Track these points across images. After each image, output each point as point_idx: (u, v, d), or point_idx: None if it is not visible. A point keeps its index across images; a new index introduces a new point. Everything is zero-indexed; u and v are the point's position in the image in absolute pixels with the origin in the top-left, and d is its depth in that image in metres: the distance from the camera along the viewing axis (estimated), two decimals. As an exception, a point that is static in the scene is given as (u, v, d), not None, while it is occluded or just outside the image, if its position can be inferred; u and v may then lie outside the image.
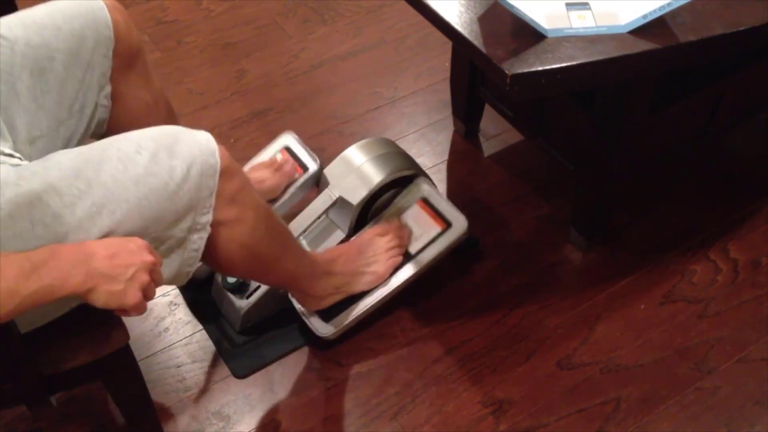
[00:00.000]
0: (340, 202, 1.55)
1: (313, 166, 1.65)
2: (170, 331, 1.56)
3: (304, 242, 1.56)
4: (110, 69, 1.25)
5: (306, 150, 1.67)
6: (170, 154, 1.05)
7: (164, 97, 1.42)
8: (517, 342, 1.54)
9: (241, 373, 1.49)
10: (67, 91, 1.19)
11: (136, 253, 1.01)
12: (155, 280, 1.03)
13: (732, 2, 1.29)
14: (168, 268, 1.11)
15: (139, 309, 1.02)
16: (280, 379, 1.49)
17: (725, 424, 1.42)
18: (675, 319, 1.57)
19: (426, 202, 1.57)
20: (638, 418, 1.43)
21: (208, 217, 1.11)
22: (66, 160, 1.02)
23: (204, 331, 1.56)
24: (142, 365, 1.49)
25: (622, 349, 1.53)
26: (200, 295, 1.60)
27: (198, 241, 1.11)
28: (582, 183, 1.62)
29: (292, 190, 1.64)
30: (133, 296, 1.00)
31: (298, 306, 1.51)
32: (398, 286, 1.52)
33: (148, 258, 1.01)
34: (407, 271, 1.53)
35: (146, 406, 1.29)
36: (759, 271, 1.65)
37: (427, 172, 1.62)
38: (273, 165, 1.66)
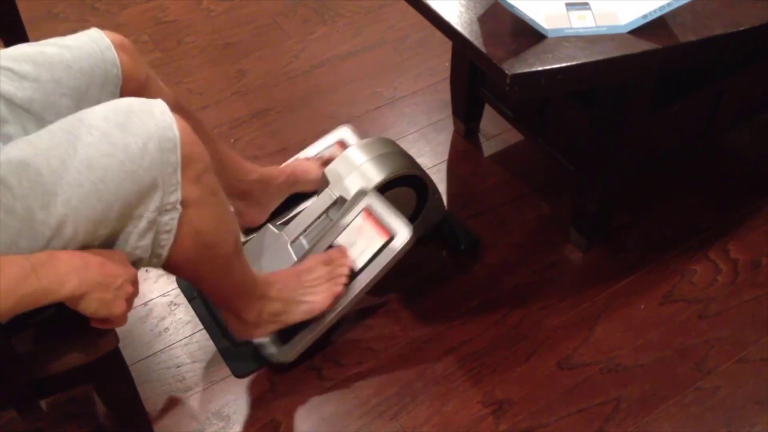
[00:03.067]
0: (341, 202, 1.55)
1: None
2: (170, 331, 1.56)
3: (304, 242, 1.56)
4: None
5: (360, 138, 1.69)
6: (123, 131, 1.00)
7: (183, 106, 1.41)
8: (517, 342, 1.54)
9: (241, 373, 1.49)
10: None
11: (122, 264, 1.01)
12: (135, 292, 1.03)
13: (732, 2, 1.29)
14: (142, 249, 1.07)
15: (122, 320, 1.03)
16: (280, 379, 1.49)
17: (725, 424, 1.42)
18: (675, 319, 1.57)
19: (370, 212, 1.51)
20: (638, 418, 1.43)
21: (177, 195, 1.06)
22: (16, 150, 0.99)
23: (204, 331, 1.56)
24: (142, 365, 1.50)
25: (622, 349, 1.53)
26: (200, 295, 1.60)
27: (170, 222, 1.07)
28: (582, 183, 1.62)
29: None
30: (121, 306, 1.01)
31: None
32: (350, 301, 1.46)
33: (132, 270, 1.02)
34: (359, 284, 1.46)
35: (137, 409, 1.29)
36: (759, 271, 1.65)
37: (427, 172, 1.62)
38: (320, 160, 1.68)
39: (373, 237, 1.49)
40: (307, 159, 1.71)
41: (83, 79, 1.18)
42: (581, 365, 1.50)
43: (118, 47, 1.24)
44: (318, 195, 1.60)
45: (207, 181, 1.11)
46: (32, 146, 0.99)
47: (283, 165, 1.69)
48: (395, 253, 1.46)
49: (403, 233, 1.47)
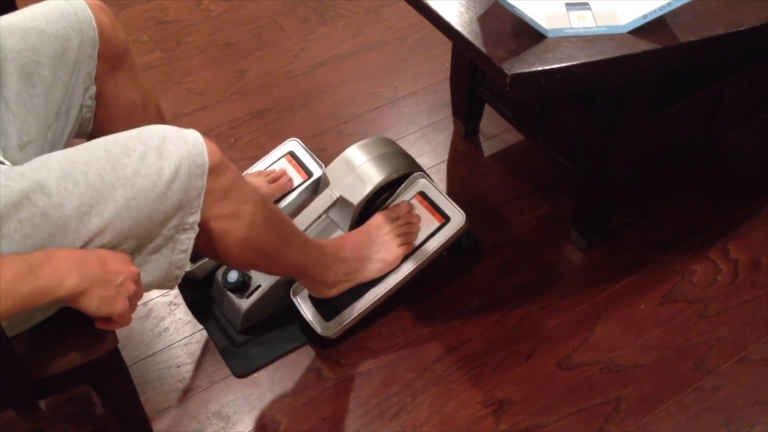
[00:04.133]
0: (341, 202, 1.55)
1: (317, 171, 1.65)
2: (170, 331, 1.56)
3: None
4: (95, 69, 1.24)
5: (311, 155, 1.68)
6: (158, 155, 1.05)
7: (152, 97, 1.41)
8: (517, 342, 1.54)
9: (241, 373, 1.49)
10: (54, 95, 1.18)
11: (123, 262, 1.02)
12: (138, 292, 1.04)
13: (732, 2, 1.29)
14: (156, 270, 1.11)
15: (125, 318, 1.03)
16: (280, 379, 1.49)
17: (725, 424, 1.42)
18: (675, 319, 1.57)
19: (424, 197, 1.57)
20: (638, 418, 1.43)
21: (196, 217, 1.10)
22: (54, 161, 1.02)
23: (204, 331, 1.56)
24: (141, 365, 1.50)
25: (622, 349, 1.53)
26: (200, 295, 1.60)
27: (186, 241, 1.11)
28: (582, 183, 1.62)
29: (295, 194, 1.64)
30: (123, 303, 1.01)
31: (300, 305, 1.51)
32: (399, 282, 1.51)
33: (134, 268, 1.03)
34: (408, 266, 1.52)
35: (136, 409, 1.29)
36: (759, 271, 1.65)
37: (427, 172, 1.62)
38: (269, 175, 1.66)
39: (428, 220, 1.55)
40: (257, 174, 1.68)
41: (58, 42, 1.18)
42: (581, 365, 1.50)
43: (96, 8, 1.23)
44: (318, 195, 1.60)
45: (236, 194, 1.16)
46: (71, 160, 1.02)
47: None
48: (450, 236, 1.53)
49: (457, 217, 1.54)
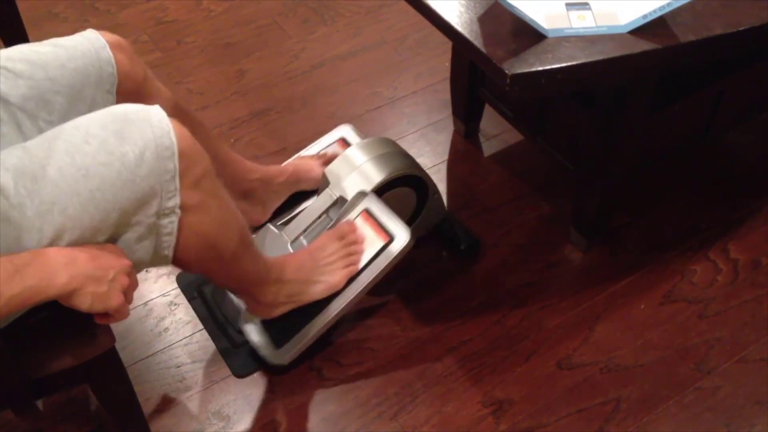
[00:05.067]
0: (341, 202, 1.55)
1: None
2: (170, 331, 1.56)
3: (304, 242, 1.56)
4: (114, 104, 1.23)
5: (361, 137, 1.70)
6: (120, 140, 1.00)
7: (182, 106, 1.41)
8: (517, 342, 1.54)
9: (240, 373, 1.49)
10: None
11: (114, 256, 1.01)
12: (132, 284, 1.03)
13: (732, 2, 1.29)
14: (145, 254, 1.08)
15: (122, 312, 1.02)
16: (280, 379, 1.49)
17: (725, 424, 1.42)
18: (675, 319, 1.57)
19: (369, 214, 1.51)
20: (638, 418, 1.43)
21: (176, 200, 1.06)
22: (12, 158, 0.99)
23: (204, 331, 1.56)
24: (141, 365, 1.50)
25: (622, 349, 1.53)
26: (200, 295, 1.60)
27: (169, 225, 1.07)
28: (582, 183, 1.62)
29: None
30: (117, 298, 1.00)
31: (248, 335, 1.47)
32: (346, 305, 1.46)
33: (126, 261, 1.01)
34: (354, 288, 1.46)
35: (133, 409, 1.29)
36: (759, 271, 1.65)
37: (427, 172, 1.62)
38: (323, 158, 1.68)
39: (372, 239, 1.49)
40: (309, 157, 1.72)
41: (78, 78, 1.18)
42: (581, 365, 1.50)
43: (115, 47, 1.24)
44: (318, 195, 1.60)
45: (206, 185, 1.11)
46: (29, 154, 0.99)
47: (285, 164, 1.69)
48: (394, 255, 1.46)
49: (401, 236, 1.47)
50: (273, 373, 1.49)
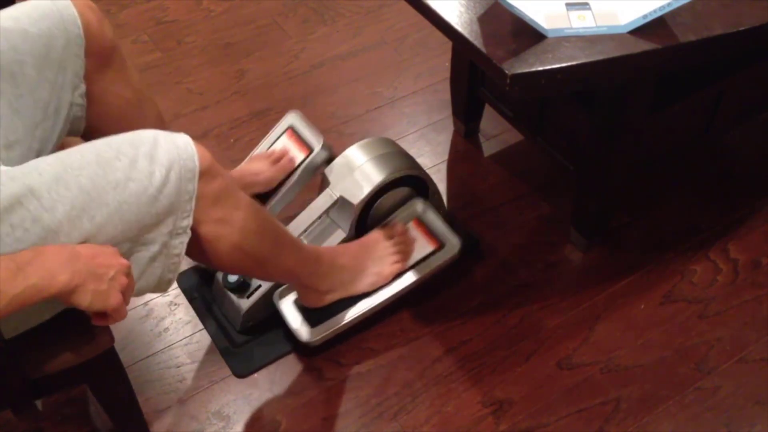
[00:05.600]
0: (341, 202, 1.55)
1: (317, 146, 1.65)
2: (170, 331, 1.56)
3: (304, 242, 1.56)
4: (83, 68, 1.24)
5: (311, 130, 1.68)
6: (150, 160, 1.05)
7: (147, 95, 1.41)
8: (517, 342, 1.54)
9: (241, 373, 1.49)
10: (40, 94, 1.18)
11: (112, 255, 1.02)
12: (130, 285, 1.04)
13: (732, 2, 1.29)
14: (151, 276, 1.11)
15: (120, 313, 1.02)
16: (280, 379, 1.49)
17: (725, 424, 1.42)
18: (675, 319, 1.57)
19: (420, 221, 1.59)
20: (638, 418, 1.43)
21: (188, 221, 1.11)
22: (45, 165, 1.02)
23: (204, 331, 1.56)
24: (142, 365, 1.50)
25: (622, 349, 1.53)
26: (201, 295, 1.60)
27: (179, 246, 1.11)
28: (582, 183, 1.62)
29: (299, 170, 1.65)
30: (116, 297, 1.00)
31: (283, 311, 1.49)
32: (388, 299, 1.51)
33: (124, 261, 1.03)
34: (401, 283, 1.52)
35: (133, 409, 1.29)
36: (759, 271, 1.65)
37: (428, 172, 1.62)
38: (270, 157, 1.67)
39: (423, 244, 1.56)
40: (259, 157, 1.68)
41: (42, 42, 1.17)
42: (581, 365, 1.50)
43: (81, 6, 1.23)
44: (318, 195, 1.60)
45: (227, 200, 1.17)
46: (62, 163, 1.02)
47: (234, 170, 1.66)
48: (444, 260, 1.54)
49: (453, 244, 1.55)
50: (274, 372, 1.49)
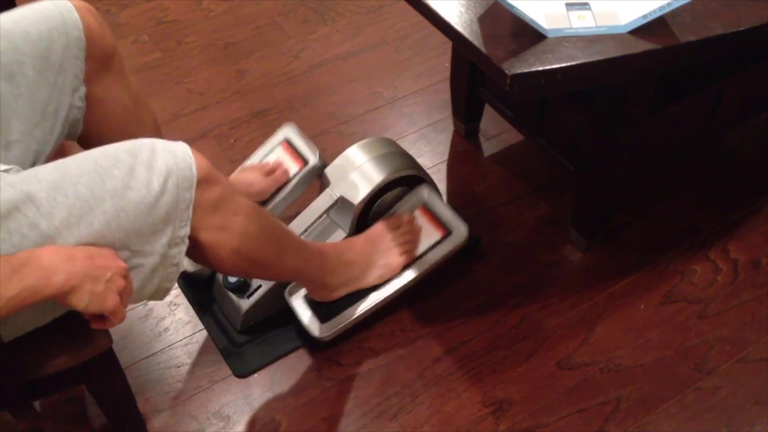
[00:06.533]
0: (341, 202, 1.55)
1: (312, 159, 1.65)
2: (170, 331, 1.56)
3: (304, 242, 1.56)
4: (83, 71, 1.24)
5: (306, 143, 1.68)
6: (148, 169, 1.06)
7: (143, 99, 1.41)
8: (517, 342, 1.54)
9: (241, 373, 1.49)
10: (39, 94, 1.18)
11: (110, 257, 1.02)
12: (127, 287, 1.04)
13: (732, 2, 1.29)
14: (149, 285, 1.11)
15: (117, 315, 1.02)
16: (280, 379, 1.49)
17: (725, 424, 1.42)
18: (675, 319, 1.58)
19: (427, 208, 1.58)
20: (638, 418, 1.43)
21: (186, 230, 1.11)
22: (44, 172, 1.02)
23: (204, 331, 1.56)
24: (142, 365, 1.50)
25: (622, 349, 1.53)
26: (201, 295, 1.60)
27: (177, 255, 1.12)
28: (582, 183, 1.62)
29: (291, 186, 1.65)
30: (113, 299, 1.00)
31: (295, 307, 1.51)
32: (397, 290, 1.52)
33: (122, 263, 1.03)
34: (410, 274, 1.53)
35: (130, 409, 1.29)
36: (759, 271, 1.65)
37: (428, 172, 1.62)
38: (264, 168, 1.66)
39: (429, 232, 1.55)
40: (251, 168, 1.68)
41: (42, 44, 1.18)
42: (581, 365, 1.50)
43: (83, 10, 1.23)
44: (318, 195, 1.60)
45: (226, 207, 1.17)
46: (62, 171, 1.03)
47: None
48: (451, 248, 1.53)
49: (460, 230, 1.54)
50: (274, 372, 1.49)
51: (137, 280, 1.08)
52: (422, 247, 1.55)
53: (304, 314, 1.50)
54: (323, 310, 1.50)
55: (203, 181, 1.11)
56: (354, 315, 1.50)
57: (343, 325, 1.49)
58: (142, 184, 1.05)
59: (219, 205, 1.15)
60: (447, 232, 1.55)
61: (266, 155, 1.71)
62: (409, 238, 1.55)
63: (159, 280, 1.12)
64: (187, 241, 1.12)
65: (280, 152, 1.70)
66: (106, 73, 1.30)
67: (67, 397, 1.45)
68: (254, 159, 1.72)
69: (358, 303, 1.51)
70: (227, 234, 1.18)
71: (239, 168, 1.71)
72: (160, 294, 1.14)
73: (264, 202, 1.65)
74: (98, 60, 1.26)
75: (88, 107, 1.27)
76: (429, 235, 1.56)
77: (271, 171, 1.65)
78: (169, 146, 1.10)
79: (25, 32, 1.16)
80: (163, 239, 1.08)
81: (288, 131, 1.72)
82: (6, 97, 1.14)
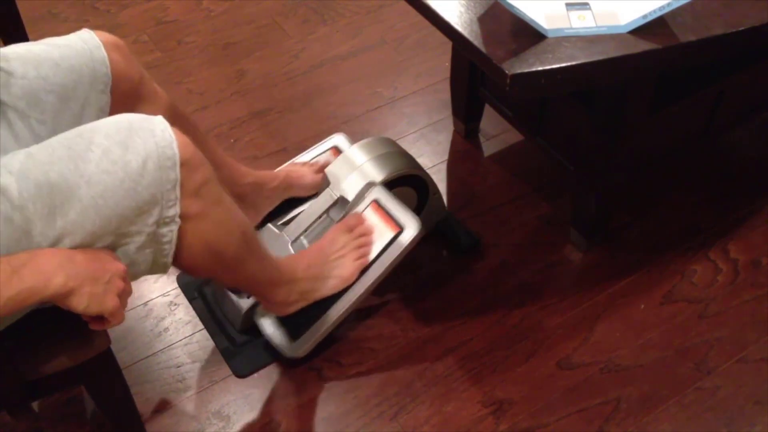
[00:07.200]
0: (341, 202, 1.55)
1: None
2: (170, 331, 1.56)
3: (305, 242, 1.56)
4: (108, 104, 1.23)
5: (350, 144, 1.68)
6: (124, 149, 1.02)
7: (178, 110, 1.41)
8: (517, 342, 1.54)
9: (241, 373, 1.49)
10: (62, 122, 1.17)
11: (110, 259, 1.01)
12: (126, 288, 1.03)
13: (732, 2, 1.29)
14: (144, 263, 1.09)
15: (117, 317, 1.02)
16: (280, 379, 1.49)
17: (725, 424, 1.42)
18: (675, 319, 1.58)
19: (379, 205, 1.52)
20: (638, 418, 1.43)
21: (176, 209, 1.07)
22: (15, 163, 1.00)
23: (204, 331, 1.56)
24: (141, 365, 1.50)
25: (622, 349, 1.53)
26: (201, 295, 1.60)
27: (169, 234, 1.08)
28: (582, 183, 1.62)
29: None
30: (113, 300, 1.00)
31: (263, 328, 1.48)
32: (359, 297, 1.47)
33: (121, 265, 1.02)
34: (367, 280, 1.48)
35: (129, 409, 1.29)
36: (759, 271, 1.65)
37: (428, 172, 1.62)
38: (314, 166, 1.67)
39: (382, 230, 1.50)
40: (302, 164, 1.70)
41: (70, 77, 1.18)
42: (581, 365, 1.50)
43: (110, 47, 1.24)
44: (318, 195, 1.60)
45: (208, 193, 1.12)
46: (33, 159, 1.00)
47: (278, 169, 1.67)
48: (405, 245, 1.47)
49: (412, 226, 1.48)
50: (274, 372, 1.49)
51: (126, 260, 1.06)
52: (376, 248, 1.49)
53: (275, 334, 1.47)
54: (291, 327, 1.47)
55: (186, 164, 1.07)
56: (322, 329, 1.46)
57: (313, 340, 1.47)
58: (119, 166, 1.01)
59: (201, 191, 1.11)
60: (400, 230, 1.49)
61: (315, 158, 1.72)
62: (363, 241, 1.49)
63: (152, 256, 1.09)
64: (178, 220, 1.08)
65: (329, 156, 1.69)
66: (137, 103, 1.29)
67: (66, 397, 1.45)
68: (303, 158, 1.73)
69: (323, 315, 1.47)
70: (204, 223, 1.13)
71: (288, 162, 1.72)
72: (158, 268, 1.11)
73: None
74: (125, 93, 1.26)
75: None
76: (382, 235, 1.50)
77: (321, 168, 1.65)
78: (147, 123, 1.06)
79: (55, 64, 1.17)
80: (149, 219, 1.05)
81: (338, 139, 1.72)
82: (29, 122, 1.14)
